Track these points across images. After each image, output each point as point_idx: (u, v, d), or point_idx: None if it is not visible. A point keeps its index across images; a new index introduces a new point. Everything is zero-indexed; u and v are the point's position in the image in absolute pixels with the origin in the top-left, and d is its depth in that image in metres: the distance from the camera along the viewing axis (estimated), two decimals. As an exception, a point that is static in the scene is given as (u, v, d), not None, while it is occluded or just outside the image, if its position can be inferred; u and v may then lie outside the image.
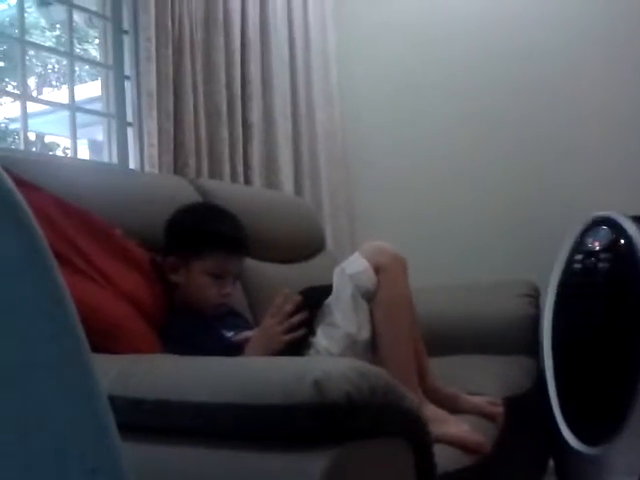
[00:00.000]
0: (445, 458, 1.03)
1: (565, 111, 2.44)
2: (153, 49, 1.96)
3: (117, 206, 1.44)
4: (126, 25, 2.09)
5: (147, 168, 1.93)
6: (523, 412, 1.61)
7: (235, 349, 1.24)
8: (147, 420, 0.84)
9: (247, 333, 1.31)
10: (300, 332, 1.24)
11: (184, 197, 1.59)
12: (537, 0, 2.51)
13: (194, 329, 1.29)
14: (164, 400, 0.81)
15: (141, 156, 1.98)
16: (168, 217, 1.41)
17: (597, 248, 1.85)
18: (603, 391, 1.72)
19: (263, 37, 2.41)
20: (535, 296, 2.05)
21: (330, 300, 1.32)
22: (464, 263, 2.51)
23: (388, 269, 1.29)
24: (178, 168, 2.01)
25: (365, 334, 1.28)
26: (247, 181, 2.28)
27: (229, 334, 1.32)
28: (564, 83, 2.45)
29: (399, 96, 2.75)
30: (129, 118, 2.07)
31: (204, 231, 1.37)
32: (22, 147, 1.91)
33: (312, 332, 1.29)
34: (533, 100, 2.50)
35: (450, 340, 1.87)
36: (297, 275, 1.94)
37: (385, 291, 1.29)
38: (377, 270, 1.29)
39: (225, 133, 2.17)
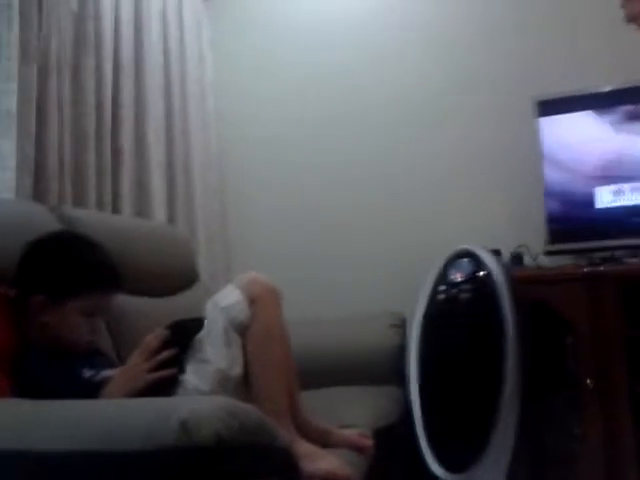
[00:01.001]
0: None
1: (430, 148, 2.59)
2: (15, 67, 1.84)
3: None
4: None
5: (2, 193, 1.79)
6: (392, 442, 1.65)
7: (95, 390, 1.16)
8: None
9: (109, 372, 1.23)
10: (168, 371, 1.19)
11: (44, 225, 1.48)
12: (400, 45, 2.65)
13: (49, 369, 1.19)
14: (14, 450, 0.73)
15: (-4, 180, 1.84)
16: (26, 249, 1.29)
17: (459, 279, 1.96)
18: (465, 417, 1.80)
19: (137, 60, 2.35)
20: (402, 326, 2.12)
21: (201, 334, 1.28)
22: (337, 295, 2.56)
23: (262, 301, 1.28)
24: (38, 194, 1.88)
25: (237, 369, 1.25)
26: (115, 209, 2.18)
27: (89, 374, 1.23)
28: (427, 121, 2.60)
29: (276, 129, 2.78)
30: (-16, 139, 1.92)
31: (85, 270, 1.27)
32: None
33: (181, 369, 1.24)
34: (398, 136, 2.63)
35: (322, 373, 1.88)
36: (168, 309, 1.87)
37: (259, 323, 1.27)
38: (251, 302, 1.27)
39: (92, 159, 2.07)
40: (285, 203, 2.74)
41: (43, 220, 1.55)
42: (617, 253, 2.12)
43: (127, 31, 2.31)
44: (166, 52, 2.53)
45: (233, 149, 2.81)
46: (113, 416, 0.77)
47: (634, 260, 2.08)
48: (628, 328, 1.90)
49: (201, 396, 1.15)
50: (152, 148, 2.37)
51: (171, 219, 2.46)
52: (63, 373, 1.20)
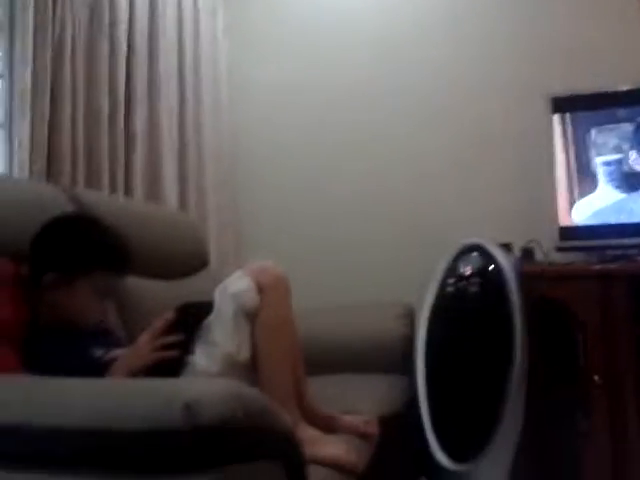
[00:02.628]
0: (319, 479, 1.02)
1: (443, 140, 2.58)
2: (30, 49, 1.85)
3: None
4: (1, 22, 1.96)
5: (16, 173, 1.81)
6: (397, 430, 1.65)
7: (104, 369, 1.17)
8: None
9: (118, 352, 1.25)
10: (171, 353, 1.19)
11: (56, 206, 1.49)
12: (414, 35, 2.64)
13: (60, 348, 1.20)
14: (15, 424, 0.74)
15: (10, 160, 1.85)
16: (38, 230, 1.30)
17: (468, 273, 1.95)
18: (471, 409, 1.80)
19: (151, 45, 2.35)
20: (410, 317, 2.12)
21: (211, 318, 1.28)
22: (346, 284, 2.56)
23: (271, 289, 1.28)
24: (51, 175, 1.89)
25: (245, 354, 1.26)
26: (127, 193, 2.19)
27: (99, 353, 1.24)
28: (440, 114, 2.59)
29: (289, 115, 2.77)
30: (-1, 119, 1.93)
31: (97, 248, 1.29)
32: None
33: (190, 350, 1.24)
34: (411, 126, 2.62)
35: (329, 360, 1.88)
36: (177, 292, 1.87)
37: (267, 311, 1.27)
38: (260, 289, 1.27)
39: (105, 141, 2.08)
40: (297, 191, 2.74)
41: (55, 201, 1.56)
42: (630, 252, 2.10)
43: (141, 15, 2.31)
44: (180, 36, 2.53)
45: (245, 135, 2.81)
46: (119, 396, 0.78)
47: (645, 258, 2.06)
48: (638, 326, 1.89)
49: (206, 378, 1.15)
50: (165, 132, 2.37)
51: (182, 205, 2.47)
52: (74, 351, 1.21)
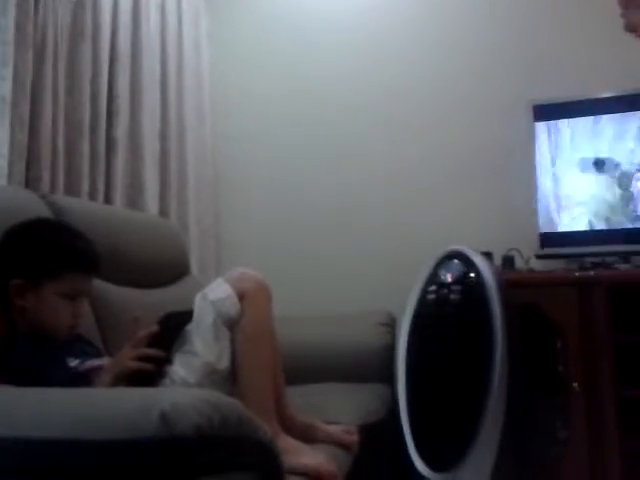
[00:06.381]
0: (298, 489, 1.02)
1: (424, 149, 2.59)
2: (11, 53, 1.82)
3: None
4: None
5: (-6, 179, 1.78)
6: (377, 440, 1.65)
7: (80, 379, 1.16)
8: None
9: (95, 362, 1.23)
10: (148, 366, 1.18)
11: (33, 213, 1.46)
12: (400, 45, 2.66)
13: (36, 357, 1.18)
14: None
15: (-12, 166, 1.82)
16: (3, 235, 1.26)
17: (449, 280, 1.96)
18: (451, 418, 1.80)
19: (134, 52, 2.34)
20: (391, 325, 2.12)
21: (190, 327, 1.27)
22: (328, 293, 2.56)
23: (252, 296, 1.28)
24: (30, 182, 1.87)
25: (225, 363, 1.25)
26: (108, 200, 2.17)
27: (74, 362, 1.22)
28: (422, 122, 2.61)
29: (272, 124, 2.77)
30: (-23, 124, 1.91)
31: (61, 251, 1.26)
32: None
33: (169, 360, 1.23)
34: (393, 136, 2.64)
35: (309, 369, 1.88)
36: (158, 301, 1.86)
37: (248, 319, 1.27)
38: (241, 297, 1.27)
39: (86, 148, 2.06)
40: (278, 199, 2.74)
41: (33, 207, 1.54)
42: (608, 259, 2.12)
43: (125, 20, 2.30)
44: (163, 42, 2.52)
45: (228, 143, 2.80)
46: (95, 405, 0.77)
47: (625, 266, 2.08)
48: (616, 334, 1.91)
49: (184, 388, 1.14)
50: (146, 139, 2.36)
51: (163, 212, 2.45)
52: (49, 361, 1.19)
